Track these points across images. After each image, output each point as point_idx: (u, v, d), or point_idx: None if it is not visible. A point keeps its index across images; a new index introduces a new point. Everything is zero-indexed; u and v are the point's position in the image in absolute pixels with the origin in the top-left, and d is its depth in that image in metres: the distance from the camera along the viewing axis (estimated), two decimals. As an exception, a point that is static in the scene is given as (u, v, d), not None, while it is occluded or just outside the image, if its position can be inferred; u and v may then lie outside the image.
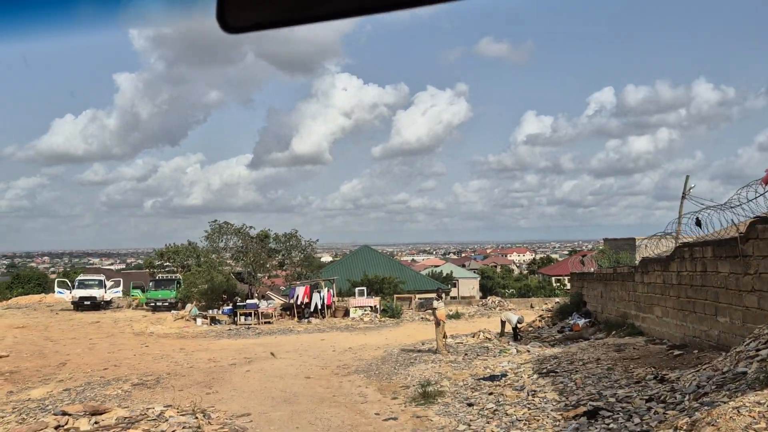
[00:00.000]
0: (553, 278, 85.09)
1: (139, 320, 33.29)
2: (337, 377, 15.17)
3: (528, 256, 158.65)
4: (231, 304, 32.33)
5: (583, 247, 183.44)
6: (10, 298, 46.22)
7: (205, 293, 36.03)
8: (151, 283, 38.40)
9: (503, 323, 20.15)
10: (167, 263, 45.42)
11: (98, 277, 39.26)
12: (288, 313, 32.87)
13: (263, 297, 33.40)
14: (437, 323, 17.54)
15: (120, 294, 39.56)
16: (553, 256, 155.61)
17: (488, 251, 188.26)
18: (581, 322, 19.27)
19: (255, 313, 31.10)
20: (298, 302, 31.97)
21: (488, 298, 32.69)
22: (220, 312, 31.96)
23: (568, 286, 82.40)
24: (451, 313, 30.62)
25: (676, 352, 11.47)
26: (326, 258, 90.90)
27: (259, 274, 33.86)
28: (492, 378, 12.98)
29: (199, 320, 31.72)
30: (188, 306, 33.49)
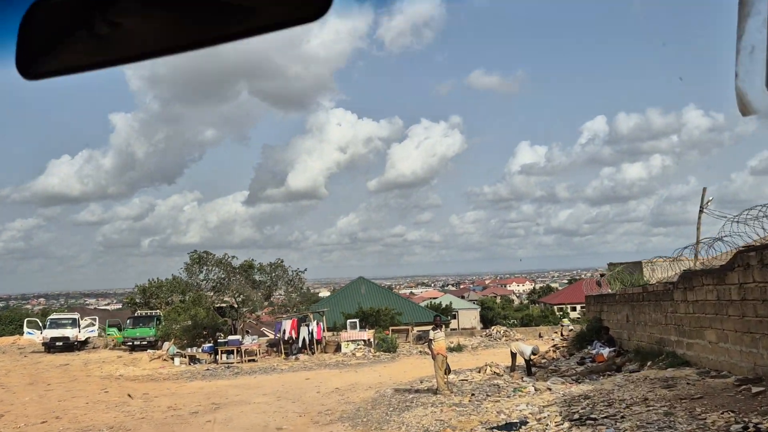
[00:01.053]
0: (556, 307, 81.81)
1: (113, 361, 30.16)
2: (316, 427, 12.18)
3: (527, 286, 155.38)
4: (212, 341, 29.24)
5: (582, 276, 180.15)
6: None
7: (187, 330, 32.97)
8: (128, 321, 35.29)
9: (514, 355, 17.18)
10: (151, 299, 42.28)
11: (71, 316, 36.14)
12: (275, 349, 29.76)
13: (247, 332, 30.32)
14: (434, 357, 14.61)
15: (95, 333, 36.38)
16: (553, 285, 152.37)
17: (487, 282, 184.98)
18: (605, 351, 16.32)
19: (238, 351, 28.01)
20: (285, 337, 28.91)
21: (492, 327, 29.77)
22: (200, 350, 28.85)
23: (572, 314, 79.35)
24: (452, 345, 27.58)
25: (754, 389, 8.57)
26: (324, 293, 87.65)
27: (243, 308, 30.85)
28: (509, 427, 10.03)
29: (177, 360, 28.57)
30: (165, 345, 30.36)
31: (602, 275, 24.64)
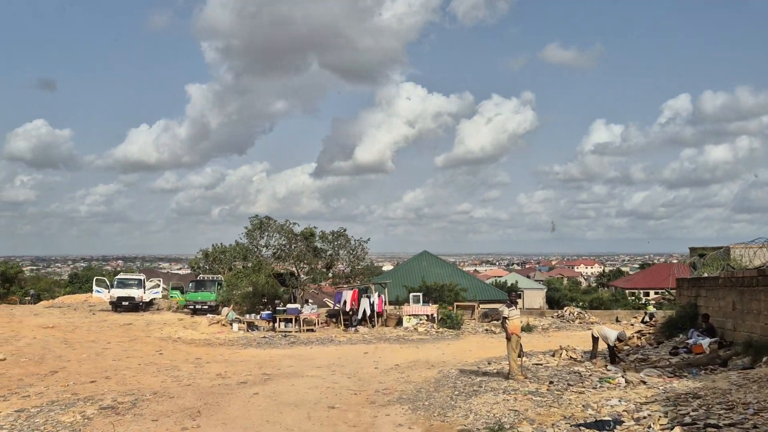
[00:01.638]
0: (627, 291, 77.85)
1: (173, 324, 29.94)
2: (371, 408, 10.78)
3: (596, 269, 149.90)
4: (270, 309, 28.48)
5: (654, 261, 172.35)
6: (57, 297, 44.14)
7: (247, 296, 32.43)
8: (190, 285, 35.08)
9: (596, 340, 15.23)
10: (215, 264, 42.21)
11: (137, 277, 36.29)
12: (334, 320, 28.75)
13: (307, 302, 29.39)
14: (508, 337, 12.92)
15: (159, 295, 36.47)
16: (623, 269, 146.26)
17: (553, 263, 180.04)
18: (705, 341, 14.15)
19: (296, 320, 27.14)
20: (346, 308, 27.81)
21: (565, 308, 27.68)
22: (259, 317, 28.14)
23: (644, 300, 75.33)
24: (522, 324, 25.74)
25: None
26: (387, 267, 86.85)
27: (303, 276, 29.91)
28: (599, 426, 8.29)
29: (236, 326, 28.01)
30: (224, 310, 29.86)
31: (702, 256, 22.10)
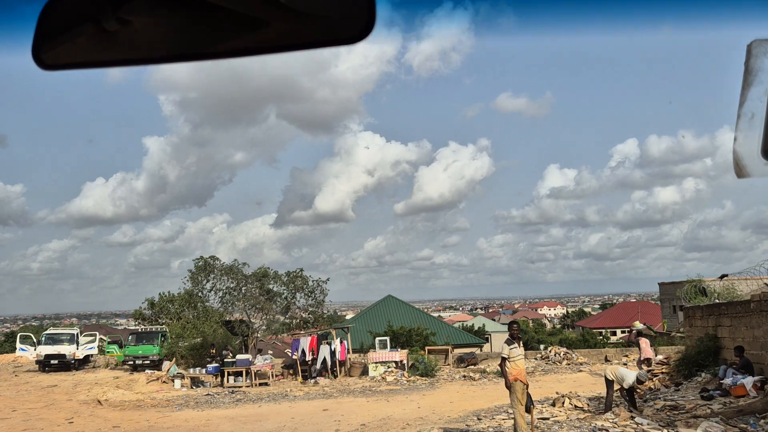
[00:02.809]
0: (596, 331, 75.51)
1: (106, 383, 25.69)
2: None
3: (559, 310, 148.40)
4: (218, 361, 24.61)
5: (614, 301, 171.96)
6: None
7: (194, 348, 28.45)
8: (130, 337, 30.86)
9: (610, 383, 12.12)
10: (162, 314, 37.95)
11: (69, 331, 31.89)
12: (290, 371, 24.99)
13: (260, 351, 25.63)
14: (509, 385, 9.67)
15: (95, 351, 32.02)
16: (586, 309, 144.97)
17: (516, 306, 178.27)
18: (747, 381, 11.22)
19: (248, 373, 23.34)
20: (304, 358, 24.15)
21: (549, 348, 24.66)
22: (205, 371, 24.22)
23: (612, 339, 73.00)
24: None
25: None
26: (350, 316, 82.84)
27: (255, 322, 26.21)
28: None
29: (178, 382, 24.00)
30: (165, 364, 25.81)
31: (724, 276, 19.45)
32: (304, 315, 26.95)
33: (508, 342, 9.87)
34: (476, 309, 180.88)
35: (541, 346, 64.70)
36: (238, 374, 23.52)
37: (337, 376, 23.90)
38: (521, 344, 9.84)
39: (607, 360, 23.52)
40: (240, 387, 22.90)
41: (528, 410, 9.68)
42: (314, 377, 23.86)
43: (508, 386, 9.54)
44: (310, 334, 24.57)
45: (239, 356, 23.73)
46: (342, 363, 24.62)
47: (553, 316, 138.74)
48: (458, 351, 29.24)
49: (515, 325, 10.24)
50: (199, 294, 25.89)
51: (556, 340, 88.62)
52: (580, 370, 21.38)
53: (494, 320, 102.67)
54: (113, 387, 24.20)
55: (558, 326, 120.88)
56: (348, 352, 25.28)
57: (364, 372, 24.24)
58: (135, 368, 29.51)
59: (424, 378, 21.18)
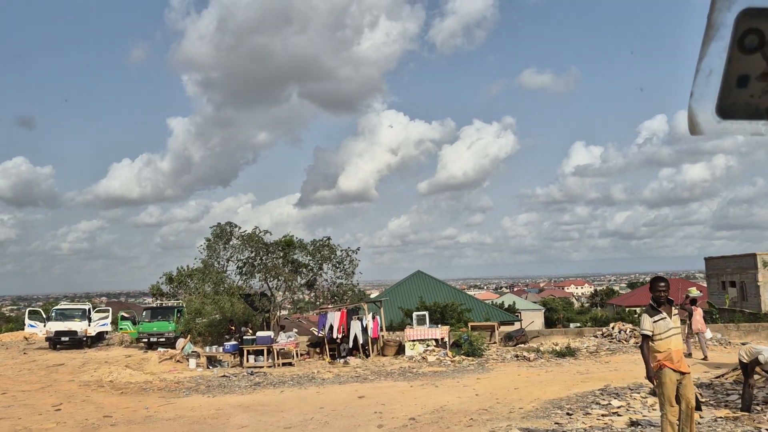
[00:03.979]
0: (632, 309, 71.51)
1: (117, 362, 23.19)
2: None
3: (587, 289, 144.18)
4: (237, 339, 21.87)
5: (641, 280, 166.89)
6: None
7: (212, 325, 25.79)
8: (144, 313, 28.32)
9: (746, 367, 8.91)
10: (180, 289, 35.41)
11: (81, 306, 29.46)
12: (317, 350, 22.16)
13: (283, 328, 22.79)
14: (651, 376, 6.36)
15: (109, 327, 29.60)
16: (614, 288, 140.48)
17: (542, 285, 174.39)
18: None
19: (269, 351, 20.57)
20: (332, 335, 21.28)
21: (612, 325, 21.40)
22: (222, 350, 21.50)
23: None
24: (556, 346, 19.37)
25: None
26: (374, 295, 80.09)
27: (278, 296, 23.33)
28: None
29: (193, 361, 21.32)
30: (180, 342, 23.13)
31: None
32: (332, 288, 23.97)
33: (650, 311, 6.62)
34: (501, 288, 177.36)
35: (571, 325, 61.31)
36: (258, 353, 20.76)
37: (369, 355, 20.99)
38: (673, 310, 6.56)
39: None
40: (261, 367, 20.14)
41: (698, 407, 6.43)
42: (344, 356, 21.00)
43: (651, 377, 6.30)
44: (339, 309, 21.65)
45: (260, 333, 20.92)
46: (374, 341, 21.71)
47: (580, 294, 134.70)
48: (504, 328, 26.07)
49: (661, 284, 6.82)
50: (216, 264, 23.07)
51: (585, 319, 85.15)
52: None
53: (523, 298, 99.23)
54: (122, 366, 21.62)
55: (586, 305, 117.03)
56: (381, 329, 22.34)
57: (400, 351, 21.30)
58: (150, 346, 27.06)
59: (470, 358, 18.12)
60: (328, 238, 23.94)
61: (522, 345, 20.76)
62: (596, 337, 20.44)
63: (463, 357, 18.27)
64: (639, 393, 10.59)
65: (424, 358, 18.56)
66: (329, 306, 22.46)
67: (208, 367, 21.00)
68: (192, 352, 22.28)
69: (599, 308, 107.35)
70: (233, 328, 23.33)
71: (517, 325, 28.73)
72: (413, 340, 20.56)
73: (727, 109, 1.18)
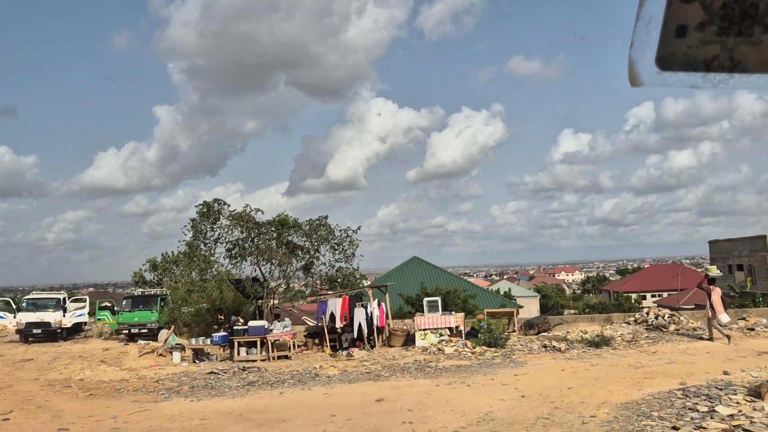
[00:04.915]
0: (632, 295, 69.89)
1: (92, 356, 20.64)
2: None
3: (577, 276, 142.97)
4: (227, 329, 19.40)
5: (629, 267, 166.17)
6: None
7: (198, 314, 23.28)
8: (124, 302, 25.70)
9: None
10: (164, 277, 32.77)
11: (55, 296, 26.76)
12: (315, 341, 19.75)
13: (278, 317, 20.35)
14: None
15: (85, 317, 26.92)
16: (605, 274, 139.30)
17: (531, 272, 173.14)
18: None
19: (263, 343, 18.13)
20: (334, 324, 18.86)
21: (647, 310, 19.16)
22: (210, 342, 19.00)
23: (643, 304, 67.67)
24: (585, 335, 17.10)
25: None
26: (365, 283, 77.65)
27: (272, 282, 20.83)
28: None
29: (177, 355, 18.84)
30: (162, 333, 20.59)
31: None
32: (330, 273, 21.49)
33: None
34: (491, 275, 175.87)
35: (566, 311, 59.40)
36: (251, 345, 18.31)
37: (374, 346, 18.62)
38: None
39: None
40: (254, 361, 17.68)
41: None
42: (346, 348, 18.61)
43: None
44: (341, 295, 19.20)
45: (252, 323, 18.43)
46: (380, 330, 19.32)
47: (571, 281, 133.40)
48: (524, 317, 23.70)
49: None
50: (202, 247, 20.48)
51: (579, 306, 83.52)
52: (701, 337, 15.86)
53: (516, 285, 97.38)
54: (97, 362, 19.10)
55: (578, 291, 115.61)
56: (387, 317, 19.94)
57: (408, 341, 18.94)
58: (131, 338, 24.51)
59: (492, 349, 15.76)
60: (325, 216, 21.41)
61: (545, 333, 18.47)
62: (628, 323, 18.15)
63: (484, 348, 15.91)
64: (736, 395, 8.28)
65: (440, 349, 16.18)
66: (329, 292, 20.00)
67: (194, 361, 18.53)
68: (176, 344, 19.79)
69: (591, 295, 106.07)
70: (222, 317, 20.82)
71: (531, 311, 26.45)
72: (424, 329, 18.18)
73: (666, 60, 1.12)
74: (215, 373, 15.16)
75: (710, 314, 16.06)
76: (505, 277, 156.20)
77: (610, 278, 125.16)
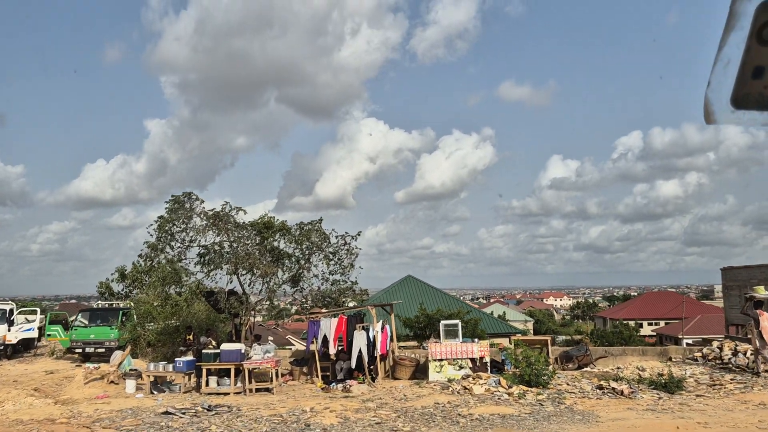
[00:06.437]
0: (631, 322, 66.17)
1: (29, 381, 16.61)
2: None
3: (565, 301, 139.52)
4: (195, 352, 15.45)
5: (614, 293, 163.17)
6: None
7: (165, 332, 19.32)
8: (80, 316, 21.63)
9: None
10: (135, 289, 28.72)
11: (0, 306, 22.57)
12: (304, 370, 15.83)
13: (258, 338, 16.41)
14: None
15: (35, 332, 22.73)
16: (591, 300, 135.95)
17: (518, 296, 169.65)
18: None
19: (238, 372, 14.22)
20: (326, 349, 14.99)
21: (720, 343, 15.37)
22: (172, 368, 15.00)
23: (645, 330, 63.87)
24: (642, 372, 13.37)
25: None
26: (351, 304, 73.57)
27: (252, 296, 16.91)
28: None
29: (131, 383, 14.88)
30: (115, 355, 16.51)
31: None
32: (323, 287, 17.61)
33: None
34: (478, 299, 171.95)
35: (559, 338, 55.49)
36: (223, 374, 14.38)
37: (375, 378, 14.74)
38: None
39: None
40: (225, 395, 13.77)
41: None
42: (341, 380, 14.73)
43: None
44: (336, 315, 15.32)
45: (225, 346, 14.48)
46: (383, 358, 15.46)
47: (559, 306, 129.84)
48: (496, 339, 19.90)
49: None
50: (170, 250, 16.48)
51: (570, 331, 79.68)
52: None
53: (507, 308, 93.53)
54: (30, 390, 15.06)
55: (567, 317, 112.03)
56: (391, 341, 16.08)
57: (418, 372, 15.08)
58: (86, 358, 20.51)
59: (533, 389, 11.96)
60: (319, 220, 17.60)
61: (587, 368, 14.72)
62: (694, 360, 14.42)
63: (523, 387, 12.09)
64: None
65: (466, 388, 12.31)
66: (322, 310, 16.10)
67: (151, 392, 14.57)
68: (131, 370, 15.77)
69: (581, 321, 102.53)
70: (191, 338, 16.82)
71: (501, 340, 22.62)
72: (440, 359, 14.34)
73: (741, 100, 1.16)
74: (170, 413, 11.20)
75: (758, 344, 13.18)
76: (492, 300, 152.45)
77: (599, 305, 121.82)
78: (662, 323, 69.37)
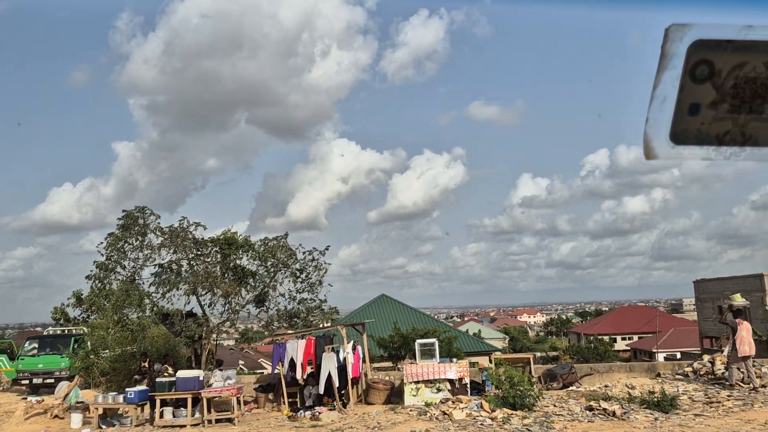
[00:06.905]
0: (605, 337, 65.80)
1: (-35, 417, 14.92)
2: None
3: (539, 318, 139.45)
4: (148, 381, 14.04)
5: (586, 309, 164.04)
6: None
7: (118, 360, 17.77)
8: (27, 343, 19.98)
9: None
10: (93, 314, 26.88)
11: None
12: (269, 396, 14.54)
13: (219, 364, 15.06)
14: None
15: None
16: (564, 316, 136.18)
17: (492, 314, 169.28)
18: None
19: (196, 401, 12.87)
20: (293, 373, 13.75)
21: (710, 357, 14.50)
22: (123, 399, 13.56)
23: (619, 345, 63.58)
24: (633, 391, 12.46)
25: None
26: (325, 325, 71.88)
27: (212, 318, 15.59)
28: None
29: (77, 417, 13.42)
30: (61, 386, 15.00)
31: None
32: (290, 306, 16.36)
33: None
34: (452, 317, 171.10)
35: (538, 353, 54.71)
36: (180, 404, 13.02)
37: (347, 403, 13.52)
38: None
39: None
40: (182, 427, 12.43)
41: None
42: (310, 407, 13.48)
43: None
44: (304, 336, 14.10)
45: (181, 373, 13.13)
46: (355, 381, 14.26)
47: (533, 323, 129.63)
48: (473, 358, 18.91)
49: None
50: (121, 270, 15.08)
51: (545, 348, 79.09)
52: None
53: (482, 326, 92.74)
54: (-38, 427, 13.49)
55: (541, 333, 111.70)
56: (363, 363, 14.91)
57: (393, 396, 13.91)
58: (34, 390, 18.83)
59: (517, 412, 10.91)
60: (285, 236, 16.42)
61: (572, 387, 13.75)
62: (687, 376, 13.56)
63: (507, 410, 11.03)
64: None
65: (445, 413, 11.19)
66: (288, 332, 14.86)
67: (99, 427, 13.14)
68: (78, 402, 14.29)
69: (554, 337, 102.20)
70: (146, 365, 15.38)
71: (478, 359, 21.58)
72: (417, 381, 13.21)
73: (679, 135, 1.19)
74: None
75: (730, 355, 12.67)
76: (466, 318, 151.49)
77: (572, 320, 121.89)
78: (635, 337, 69.24)
